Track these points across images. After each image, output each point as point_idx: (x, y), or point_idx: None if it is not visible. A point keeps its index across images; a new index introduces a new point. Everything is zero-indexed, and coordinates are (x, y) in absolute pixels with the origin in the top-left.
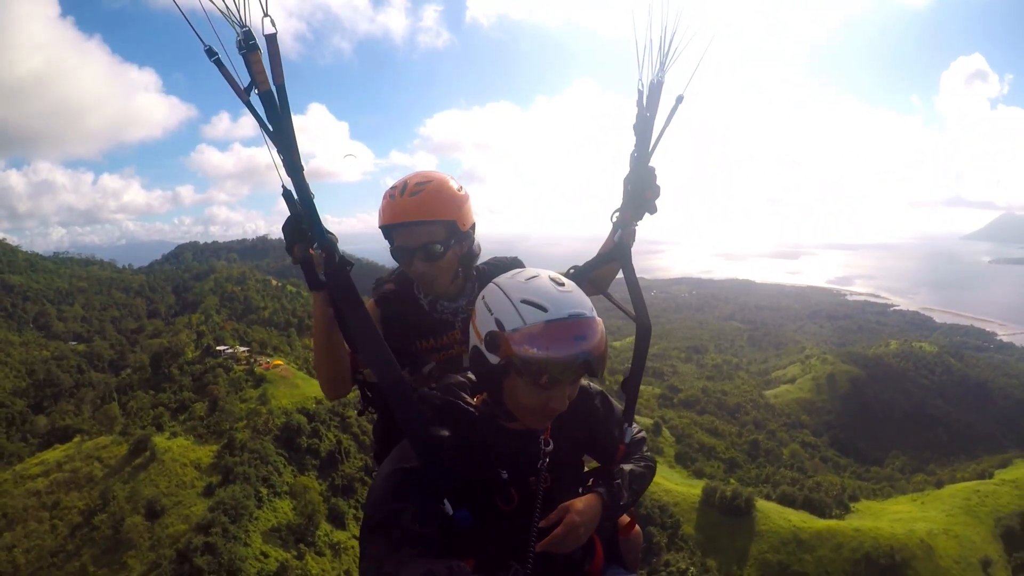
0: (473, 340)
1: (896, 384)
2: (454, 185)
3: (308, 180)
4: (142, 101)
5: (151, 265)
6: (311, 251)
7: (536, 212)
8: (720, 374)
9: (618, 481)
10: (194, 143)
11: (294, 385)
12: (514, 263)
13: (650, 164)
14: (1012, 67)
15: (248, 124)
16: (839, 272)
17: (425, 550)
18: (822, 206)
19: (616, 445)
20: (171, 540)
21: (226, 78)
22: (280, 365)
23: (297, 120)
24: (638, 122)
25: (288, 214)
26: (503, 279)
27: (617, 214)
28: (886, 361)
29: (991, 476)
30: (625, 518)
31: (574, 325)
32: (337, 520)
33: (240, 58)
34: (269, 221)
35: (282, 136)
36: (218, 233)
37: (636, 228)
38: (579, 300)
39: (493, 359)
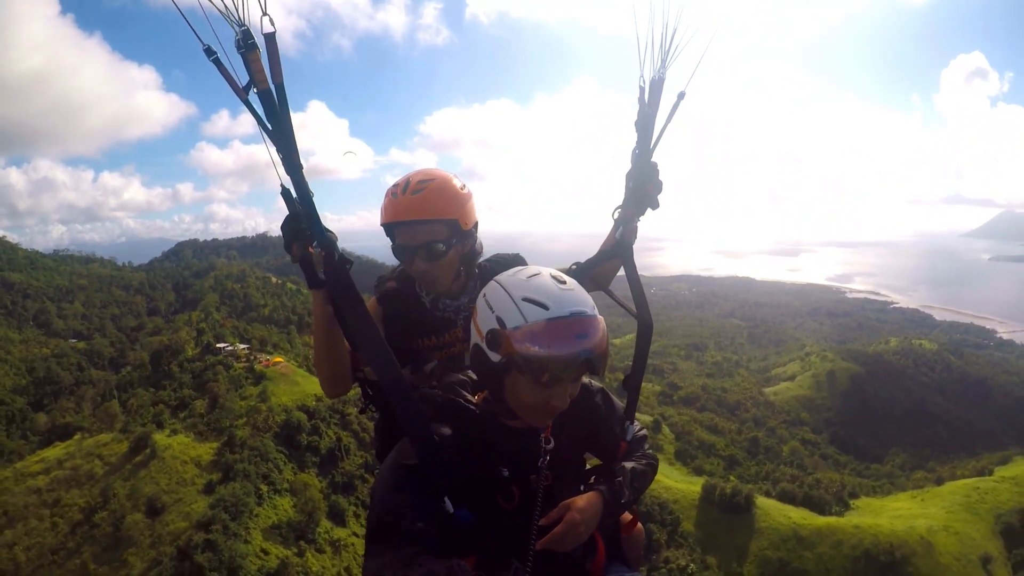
0: (474, 338)
1: (896, 381)
2: (457, 183)
3: (308, 178)
4: (142, 99)
5: (151, 263)
6: (310, 249)
7: (536, 209)
8: (720, 371)
9: (619, 479)
10: (194, 141)
11: (294, 382)
12: (516, 260)
13: (652, 159)
14: (1012, 65)
15: (248, 122)
16: (839, 269)
17: (426, 548)
18: (822, 204)
19: (617, 443)
20: (172, 537)
21: (225, 77)
22: (280, 362)
23: (297, 117)
24: (640, 119)
25: (287, 212)
26: (504, 277)
27: (619, 211)
28: (886, 358)
29: (991, 473)
30: (627, 516)
31: (576, 323)
32: (337, 517)
33: (239, 57)
34: (269, 219)
35: (281, 135)
36: (218, 231)
37: (638, 225)
38: (581, 298)
39: (494, 357)
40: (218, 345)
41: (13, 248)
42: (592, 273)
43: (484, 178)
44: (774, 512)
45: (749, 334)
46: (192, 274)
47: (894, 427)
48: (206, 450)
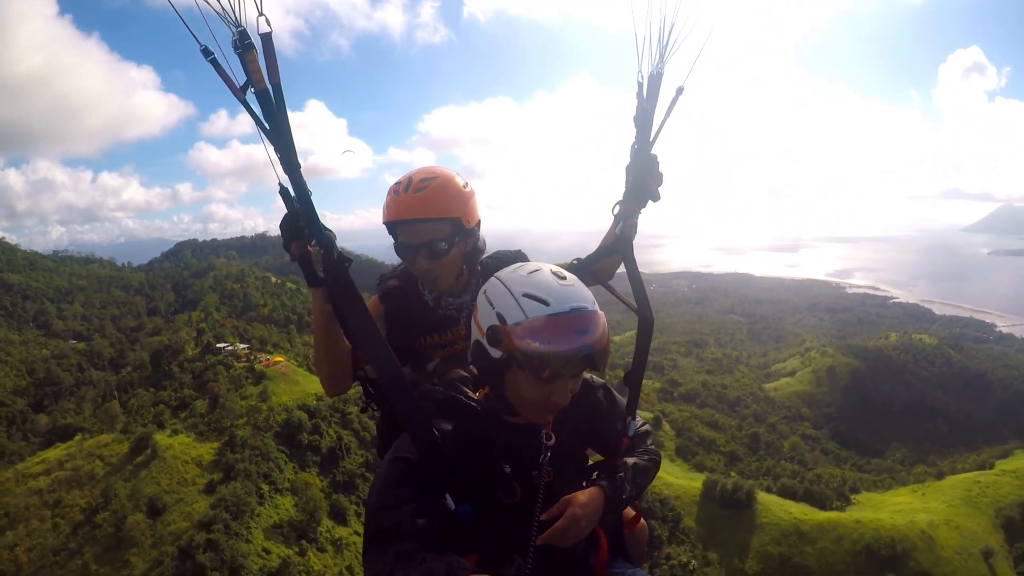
0: (475, 334)
1: (896, 376)
2: (459, 182)
3: (306, 177)
4: (140, 99)
5: (150, 263)
6: (309, 248)
7: (535, 207)
8: (720, 368)
9: (621, 474)
10: (192, 141)
11: (294, 382)
12: (518, 256)
13: (652, 152)
14: (1010, 60)
15: (246, 121)
16: (838, 265)
17: (426, 544)
18: (821, 200)
19: (619, 438)
20: (173, 537)
21: (222, 77)
22: (280, 362)
23: (295, 117)
24: (638, 114)
25: (285, 211)
26: (505, 273)
27: (618, 206)
28: (886, 353)
29: (991, 467)
30: (630, 512)
31: (576, 319)
32: (339, 516)
33: (236, 57)
34: (268, 218)
35: (279, 134)
36: (217, 231)
37: (637, 220)
38: (581, 294)
39: (495, 353)
40: (218, 345)
41: (12, 249)
42: (592, 269)
43: (483, 176)
44: (775, 508)
45: (749, 330)
46: (191, 274)
47: (894, 422)
48: (207, 450)
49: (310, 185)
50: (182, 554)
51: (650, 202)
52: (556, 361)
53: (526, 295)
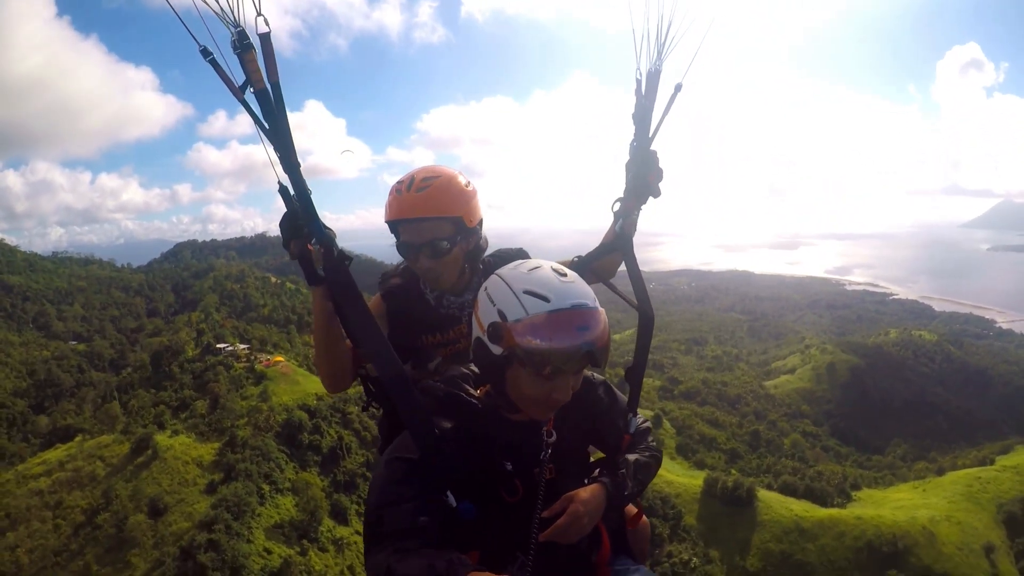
0: (476, 331)
1: (896, 372)
2: (462, 181)
3: (305, 177)
4: (139, 100)
5: (150, 264)
6: (309, 247)
7: (535, 206)
8: (720, 365)
9: (623, 471)
10: (191, 141)
11: (295, 382)
12: (519, 255)
13: (652, 148)
14: (1008, 56)
15: (245, 122)
16: (838, 262)
17: (426, 541)
18: (820, 197)
19: (621, 435)
20: (174, 538)
21: (221, 78)
22: (280, 362)
23: (294, 117)
24: (637, 111)
25: (285, 210)
26: (506, 270)
27: (618, 203)
28: (886, 350)
29: (992, 462)
30: (632, 509)
31: (577, 315)
32: (340, 516)
33: (234, 57)
34: (267, 219)
35: (278, 134)
36: (216, 231)
37: (638, 217)
38: (582, 290)
39: (496, 350)
40: (218, 345)
41: (12, 250)
42: (593, 266)
43: (483, 175)
44: (776, 505)
45: (749, 328)
46: (191, 275)
47: (895, 418)
48: (208, 450)
49: (309, 185)
50: (183, 554)
51: (651, 199)
52: (557, 357)
53: (527, 292)
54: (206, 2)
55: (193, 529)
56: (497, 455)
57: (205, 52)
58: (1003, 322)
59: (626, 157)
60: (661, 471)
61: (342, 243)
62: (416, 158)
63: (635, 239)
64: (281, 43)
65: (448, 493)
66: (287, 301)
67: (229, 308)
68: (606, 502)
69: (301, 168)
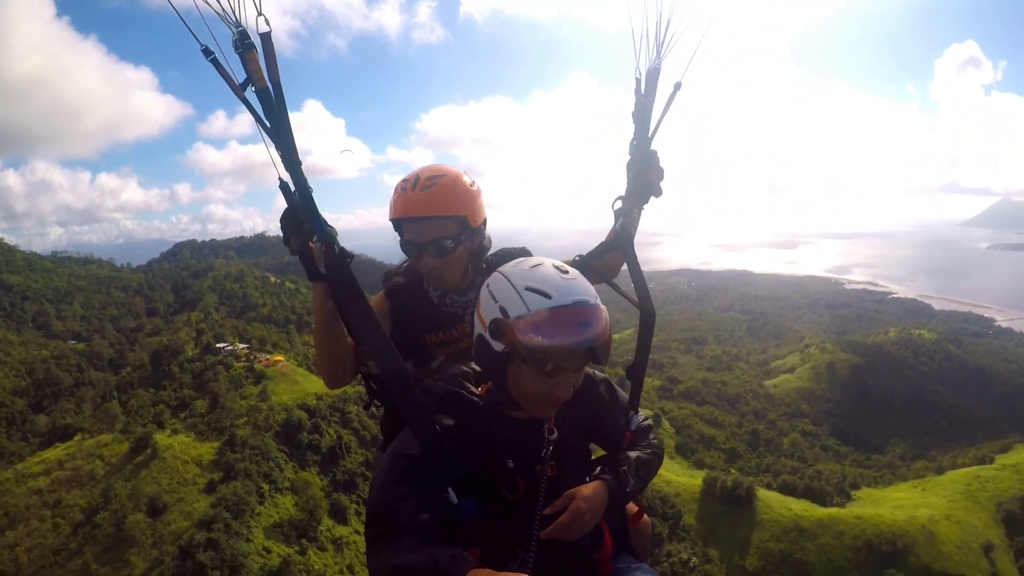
0: (478, 328)
1: (895, 371)
2: (466, 180)
3: (305, 177)
4: (138, 100)
5: (149, 264)
6: (311, 245)
7: (534, 206)
8: (719, 365)
9: (624, 468)
10: (191, 141)
11: (294, 381)
12: (522, 254)
13: (652, 148)
14: (1006, 54)
15: (244, 122)
16: (837, 261)
17: (428, 539)
18: (819, 196)
19: (622, 433)
20: (173, 537)
21: (223, 77)
22: (280, 361)
23: (293, 117)
24: (637, 110)
25: (285, 208)
26: (508, 267)
27: (619, 202)
28: (885, 349)
29: (991, 461)
30: (633, 507)
31: (578, 312)
32: (339, 515)
33: (235, 56)
34: (267, 218)
35: (279, 132)
36: (216, 231)
37: (638, 217)
38: (583, 288)
39: (497, 346)
40: (218, 345)
41: (11, 250)
42: (594, 265)
43: (482, 175)
44: (775, 504)
45: (748, 327)
46: (191, 274)
47: (894, 417)
48: (207, 450)
49: (309, 185)
50: (183, 553)
51: (652, 198)
52: (558, 354)
53: (528, 288)
54: (207, 2)
55: (192, 528)
56: (498, 452)
57: (207, 51)
58: (1002, 320)
59: (626, 156)
60: (660, 470)
61: (341, 243)
62: (415, 158)
63: (634, 239)
64: (280, 43)
65: (449, 490)
66: (286, 301)
67: (228, 308)
68: (608, 499)
69: (302, 167)
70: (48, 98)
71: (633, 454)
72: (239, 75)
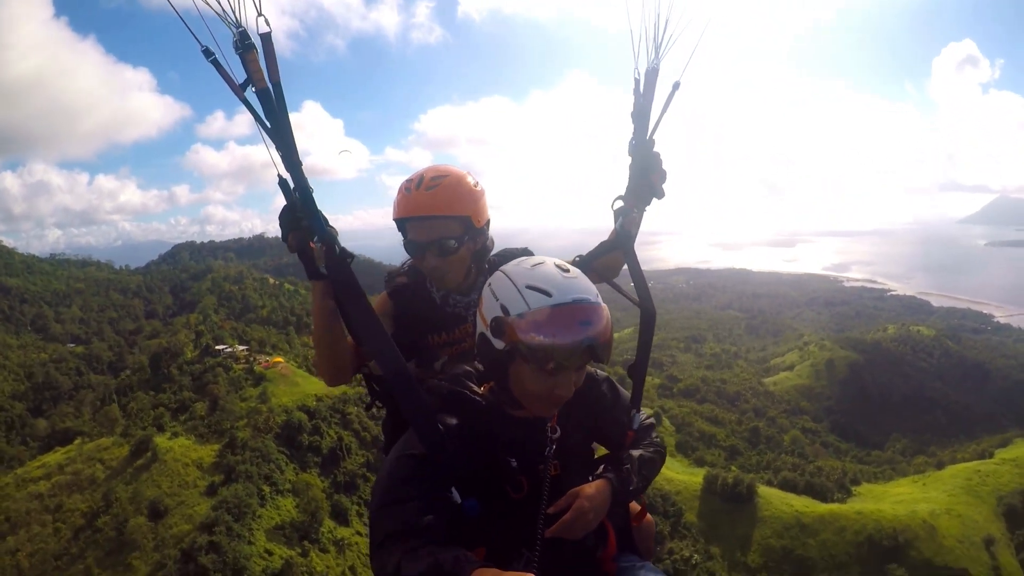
0: (480, 327)
1: (895, 368)
2: (470, 180)
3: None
4: (137, 101)
5: (148, 266)
6: (312, 245)
7: (533, 206)
8: (719, 363)
9: (627, 467)
10: (189, 142)
11: (294, 383)
12: (524, 253)
13: (655, 150)
14: (1003, 52)
15: (243, 122)
16: (835, 259)
17: (431, 539)
18: (817, 194)
19: (624, 431)
20: (175, 540)
21: (224, 78)
22: (279, 363)
23: (292, 117)
24: (636, 110)
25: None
26: (509, 266)
27: (619, 202)
28: (884, 346)
29: (991, 456)
30: (636, 506)
31: (579, 310)
32: (340, 516)
33: (234, 57)
34: (265, 220)
35: (280, 132)
36: (214, 232)
37: (640, 217)
38: (584, 286)
39: (498, 344)
40: (217, 347)
41: (9, 253)
42: (595, 265)
43: (480, 175)
44: (776, 501)
45: (747, 325)
46: (189, 276)
47: (894, 413)
48: (207, 452)
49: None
50: (184, 556)
51: (654, 200)
52: (559, 353)
53: (529, 286)
54: (207, 3)
55: (194, 531)
56: (502, 452)
57: (207, 52)
58: (1001, 316)
59: (625, 156)
60: (661, 469)
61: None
62: (414, 158)
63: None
64: (279, 44)
65: (453, 490)
66: (285, 302)
67: (228, 309)
68: (611, 498)
69: (302, 167)
70: (46, 99)
71: (636, 453)
72: (239, 76)
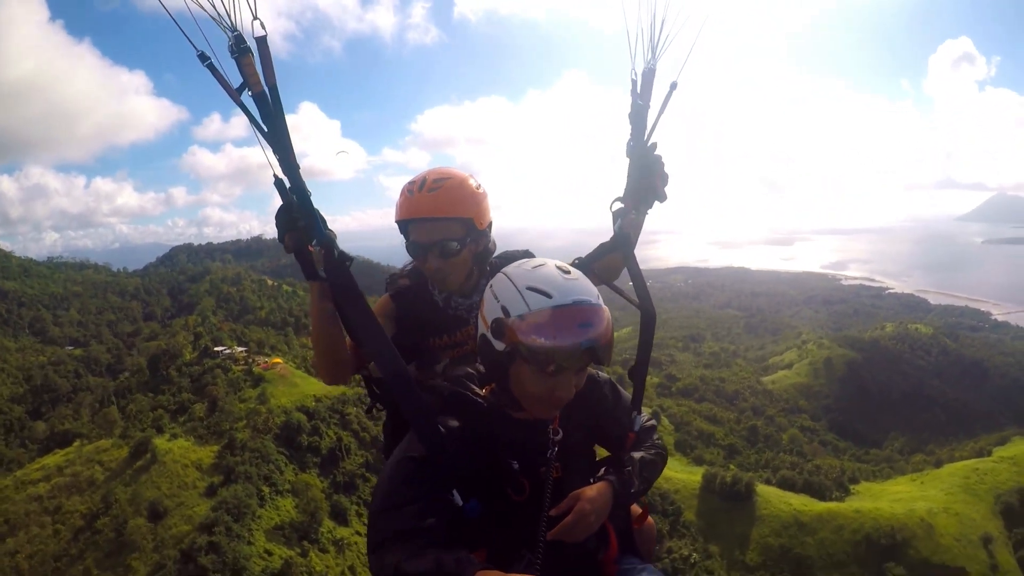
0: (481, 328)
1: (893, 366)
2: (473, 183)
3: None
4: (133, 104)
5: (146, 268)
6: (310, 248)
7: (531, 206)
8: (718, 362)
9: (628, 468)
10: (186, 145)
11: (293, 384)
12: (526, 255)
13: (657, 152)
14: (999, 49)
15: (239, 124)
16: (833, 257)
17: (433, 541)
18: (815, 193)
19: (625, 433)
20: (175, 541)
21: (220, 82)
22: (278, 364)
23: (289, 119)
24: (633, 110)
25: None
26: (510, 268)
27: (617, 203)
28: (882, 344)
29: (989, 454)
30: (637, 508)
31: (579, 312)
32: (340, 517)
33: (230, 60)
34: (263, 221)
35: (276, 136)
36: (212, 234)
37: (642, 219)
38: (585, 288)
39: (499, 346)
40: (216, 348)
41: (7, 256)
42: (594, 267)
43: (478, 175)
44: (775, 499)
45: (746, 324)
46: (187, 278)
47: (892, 412)
48: (207, 453)
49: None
50: (184, 557)
51: (656, 203)
52: (560, 355)
53: (530, 288)
54: (202, 7)
55: (193, 532)
56: (503, 454)
57: (203, 57)
58: (998, 314)
59: (623, 157)
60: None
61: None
62: (411, 159)
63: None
64: (275, 46)
65: (454, 492)
66: (284, 303)
67: (226, 311)
68: (613, 500)
69: (300, 170)
70: (42, 103)
71: (637, 455)
72: (235, 79)
